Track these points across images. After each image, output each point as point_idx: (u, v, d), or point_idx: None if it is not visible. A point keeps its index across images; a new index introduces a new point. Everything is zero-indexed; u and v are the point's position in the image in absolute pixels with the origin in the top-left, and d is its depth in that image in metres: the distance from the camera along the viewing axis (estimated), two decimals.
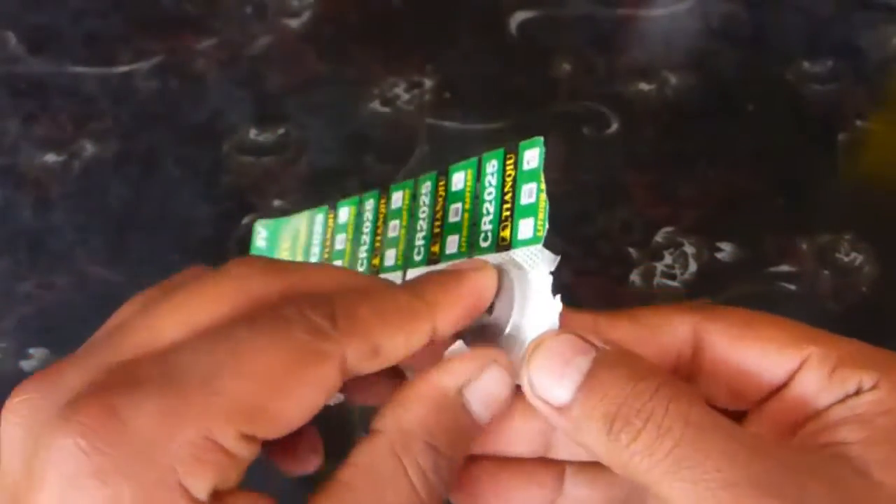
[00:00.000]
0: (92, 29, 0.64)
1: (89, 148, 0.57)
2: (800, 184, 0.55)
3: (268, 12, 0.65)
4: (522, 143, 0.26)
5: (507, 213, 0.25)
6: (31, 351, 0.48)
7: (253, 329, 0.20)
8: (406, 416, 0.21)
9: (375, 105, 0.60)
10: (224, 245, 0.53)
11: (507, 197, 0.25)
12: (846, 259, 0.52)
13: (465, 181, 0.28)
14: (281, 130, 0.58)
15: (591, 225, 0.53)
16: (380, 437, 0.21)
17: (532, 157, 0.25)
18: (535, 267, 0.24)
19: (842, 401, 0.21)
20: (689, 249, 0.52)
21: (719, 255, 0.52)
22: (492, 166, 0.27)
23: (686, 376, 0.24)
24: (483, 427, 0.23)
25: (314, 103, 0.60)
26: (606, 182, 0.56)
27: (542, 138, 0.25)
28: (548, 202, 0.24)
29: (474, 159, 0.28)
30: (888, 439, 0.20)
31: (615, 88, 0.60)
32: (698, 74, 0.61)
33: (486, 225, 0.26)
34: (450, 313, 0.23)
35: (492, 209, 0.26)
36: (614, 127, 0.58)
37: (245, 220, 0.54)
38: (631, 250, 0.52)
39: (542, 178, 0.24)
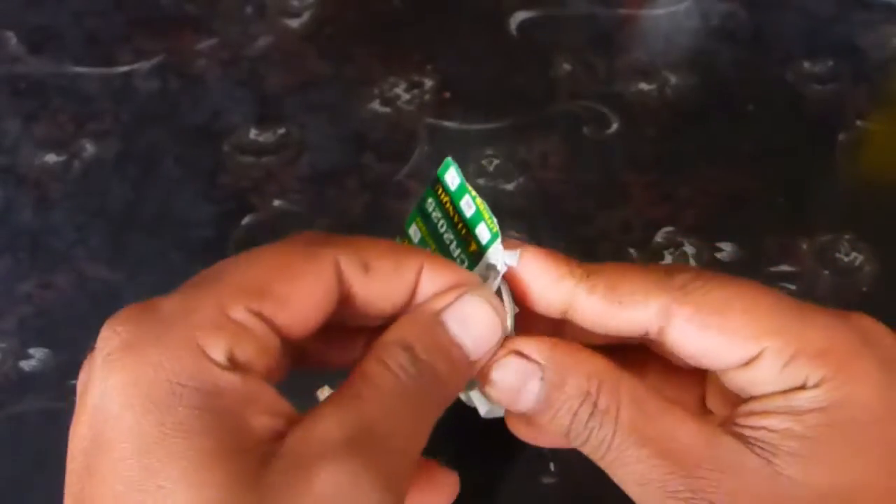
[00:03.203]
0: (92, 29, 0.64)
1: (89, 148, 0.57)
2: (800, 184, 0.55)
3: (268, 12, 0.65)
4: (439, 171, 0.28)
5: (464, 231, 0.27)
6: (31, 351, 0.48)
7: (266, 246, 0.24)
8: (387, 333, 0.24)
9: (375, 105, 0.60)
10: (224, 245, 0.53)
11: (455, 219, 0.27)
12: (846, 259, 0.52)
13: (419, 227, 0.30)
14: (281, 130, 0.58)
15: (591, 225, 0.53)
16: (369, 351, 0.23)
17: (452, 177, 0.27)
18: (498, 262, 0.26)
19: (783, 392, 0.23)
20: (689, 249, 0.52)
21: (719, 255, 0.52)
22: (430, 205, 0.29)
23: (650, 346, 0.26)
24: (469, 353, 0.24)
25: (314, 103, 0.60)
26: (606, 182, 0.56)
27: (449, 158, 0.27)
28: (484, 201, 0.27)
29: (415, 208, 0.30)
30: (805, 435, 0.22)
31: (615, 88, 0.60)
32: (698, 74, 0.61)
33: (456, 251, 0.28)
34: (438, 270, 0.25)
35: (452, 237, 0.28)
36: (614, 127, 0.58)
37: (245, 220, 0.54)
38: (631, 250, 0.52)
39: (469, 187, 0.27)
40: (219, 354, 0.20)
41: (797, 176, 0.56)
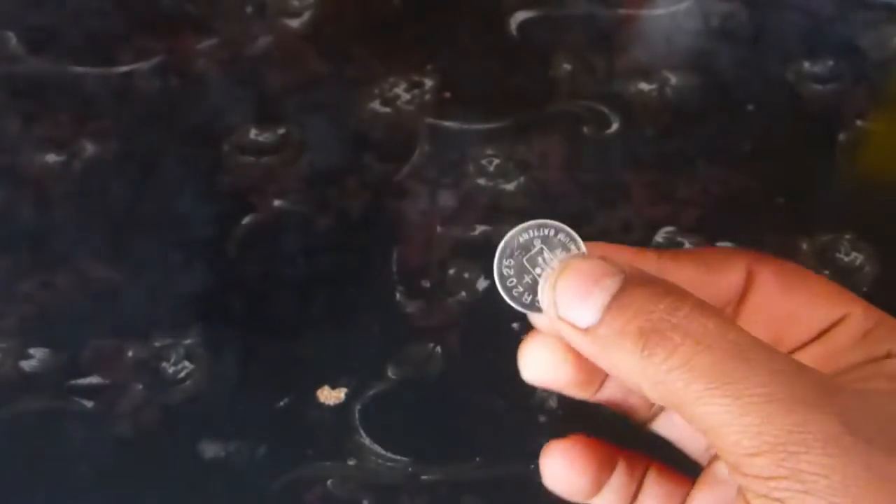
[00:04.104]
0: (92, 29, 0.64)
1: (89, 148, 0.57)
2: (800, 184, 0.55)
3: (268, 12, 0.65)
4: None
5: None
6: (31, 351, 0.48)
7: None
8: None
9: (375, 105, 0.60)
10: (224, 245, 0.53)
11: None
12: (846, 259, 0.52)
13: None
14: (281, 130, 0.58)
15: (591, 225, 0.53)
16: None
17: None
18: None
19: (875, 359, 0.22)
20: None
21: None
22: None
23: (731, 317, 0.24)
24: None
25: (314, 103, 0.60)
26: (606, 182, 0.56)
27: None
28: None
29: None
30: None
31: (615, 88, 0.60)
32: (698, 74, 0.61)
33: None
34: None
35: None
36: (614, 127, 0.58)
37: (245, 220, 0.54)
38: None
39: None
40: None
41: (797, 176, 0.56)
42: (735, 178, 0.55)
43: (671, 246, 0.52)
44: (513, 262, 0.25)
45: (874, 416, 0.19)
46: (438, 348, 0.48)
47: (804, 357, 0.23)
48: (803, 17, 0.65)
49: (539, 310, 0.24)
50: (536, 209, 0.54)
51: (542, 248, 0.24)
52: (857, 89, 0.61)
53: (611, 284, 0.21)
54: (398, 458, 0.44)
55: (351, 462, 0.44)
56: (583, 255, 0.23)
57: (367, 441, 0.45)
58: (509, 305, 0.25)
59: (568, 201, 0.54)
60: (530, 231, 0.25)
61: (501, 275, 0.25)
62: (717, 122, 0.59)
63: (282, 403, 0.46)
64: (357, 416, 0.46)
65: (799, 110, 0.60)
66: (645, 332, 0.20)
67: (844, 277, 0.51)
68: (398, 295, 0.50)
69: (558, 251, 0.24)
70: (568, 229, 0.25)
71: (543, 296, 0.23)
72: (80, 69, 0.62)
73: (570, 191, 0.55)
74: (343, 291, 0.51)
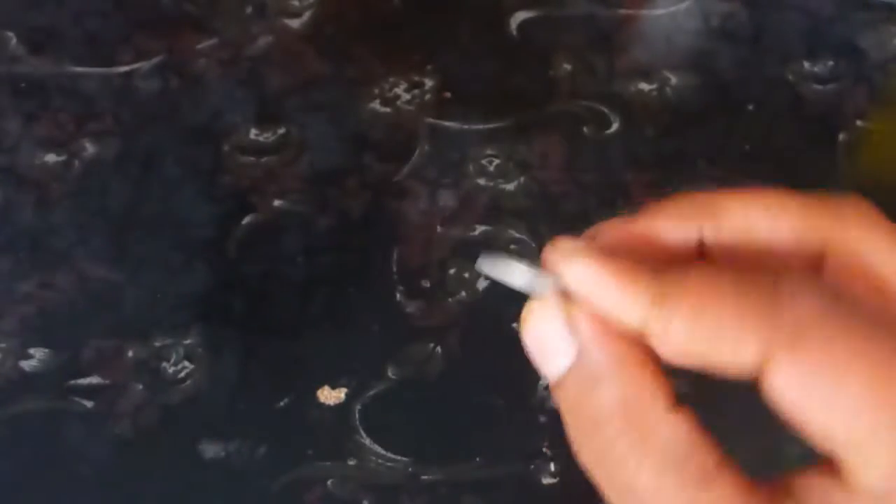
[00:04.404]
0: (92, 29, 0.64)
1: (89, 148, 0.57)
2: (800, 184, 0.55)
3: (268, 12, 0.65)
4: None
5: None
6: (31, 351, 0.48)
7: None
8: None
9: (375, 105, 0.60)
10: (224, 245, 0.53)
11: None
12: None
13: None
14: (281, 130, 0.58)
15: (591, 225, 0.53)
16: None
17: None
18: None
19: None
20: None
21: None
22: None
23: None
24: None
25: (314, 103, 0.60)
26: (606, 182, 0.56)
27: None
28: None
29: None
30: None
31: (615, 88, 0.60)
32: (698, 74, 0.61)
33: None
34: None
35: None
36: (614, 127, 0.58)
37: (245, 220, 0.54)
38: None
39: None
40: None
41: (797, 176, 0.56)
42: (735, 178, 0.55)
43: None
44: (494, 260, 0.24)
45: None
46: (438, 348, 0.48)
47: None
48: (803, 17, 0.65)
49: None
50: (536, 209, 0.54)
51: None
52: (857, 89, 0.61)
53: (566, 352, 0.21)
54: (398, 458, 0.44)
55: (351, 462, 0.44)
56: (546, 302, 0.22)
57: (367, 441, 0.45)
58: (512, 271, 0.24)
59: (568, 201, 0.54)
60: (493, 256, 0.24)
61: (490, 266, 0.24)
62: (717, 122, 0.59)
63: (282, 403, 0.46)
64: (357, 416, 0.46)
65: (799, 110, 0.60)
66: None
67: None
68: (398, 295, 0.50)
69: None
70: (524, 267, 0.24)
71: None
72: (80, 69, 0.62)
73: (570, 191, 0.55)
74: (343, 291, 0.51)
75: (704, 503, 0.19)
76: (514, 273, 0.23)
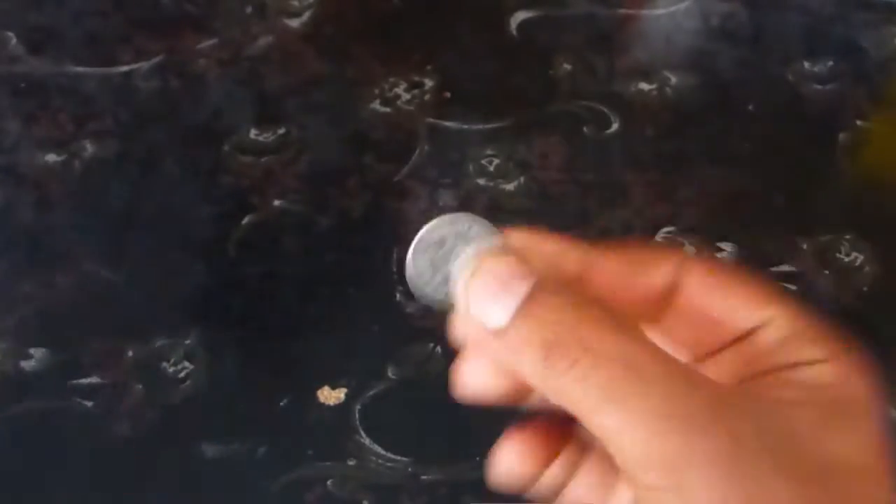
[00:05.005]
0: (92, 29, 0.64)
1: (89, 148, 0.57)
2: (800, 184, 0.55)
3: (268, 12, 0.65)
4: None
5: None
6: (31, 351, 0.48)
7: None
8: None
9: (375, 105, 0.60)
10: (224, 245, 0.53)
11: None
12: (846, 259, 0.52)
13: None
14: (281, 130, 0.58)
15: (591, 225, 0.53)
16: None
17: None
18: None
19: (792, 366, 0.22)
20: (689, 249, 0.52)
21: (720, 255, 0.52)
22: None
23: (655, 316, 0.25)
24: None
25: (314, 103, 0.60)
26: (606, 182, 0.56)
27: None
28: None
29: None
30: (823, 407, 0.21)
31: (615, 88, 0.60)
32: (698, 74, 0.61)
33: None
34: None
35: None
36: (614, 127, 0.58)
37: (245, 220, 0.54)
38: None
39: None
40: None
41: (797, 176, 0.56)
42: (735, 178, 0.55)
43: (671, 246, 0.52)
44: (427, 257, 0.24)
45: (769, 431, 0.20)
46: (438, 348, 0.48)
47: (724, 360, 0.24)
48: (803, 17, 0.65)
49: (451, 306, 0.24)
50: (536, 209, 0.54)
51: (455, 244, 0.24)
52: (857, 89, 0.61)
53: (519, 288, 0.22)
54: (398, 458, 0.44)
55: (351, 462, 0.44)
56: (498, 249, 0.23)
57: (367, 441, 0.45)
58: (422, 301, 0.24)
59: (568, 201, 0.54)
60: (444, 226, 0.24)
61: (415, 271, 0.24)
62: (717, 122, 0.59)
63: (282, 403, 0.46)
64: (357, 416, 0.46)
65: (799, 110, 0.60)
66: (548, 343, 0.21)
67: (844, 277, 0.51)
68: (398, 295, 0.50)
69: (473, 245, 0.24)
70: (483, 221, 0.24)
71: (455, 292, 0.23)
72: (80, 69, 0.62)
73: (570, 191, 0.55)
74: (343, 291, 0.51)
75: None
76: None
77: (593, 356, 0.20)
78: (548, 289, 0.22)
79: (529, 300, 0.21)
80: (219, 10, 0.65)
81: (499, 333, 0.22)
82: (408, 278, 0.24)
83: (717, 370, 0.24)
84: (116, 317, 0.49)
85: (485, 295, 0.22)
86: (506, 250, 0.23)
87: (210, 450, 0.45)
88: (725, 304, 0.23)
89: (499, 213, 0.54)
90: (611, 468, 0.25)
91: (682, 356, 0.25)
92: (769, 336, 0.23)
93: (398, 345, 0.48)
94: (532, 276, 0.22)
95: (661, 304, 0.24)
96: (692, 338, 0.25)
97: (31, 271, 0.51)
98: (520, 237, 0.24)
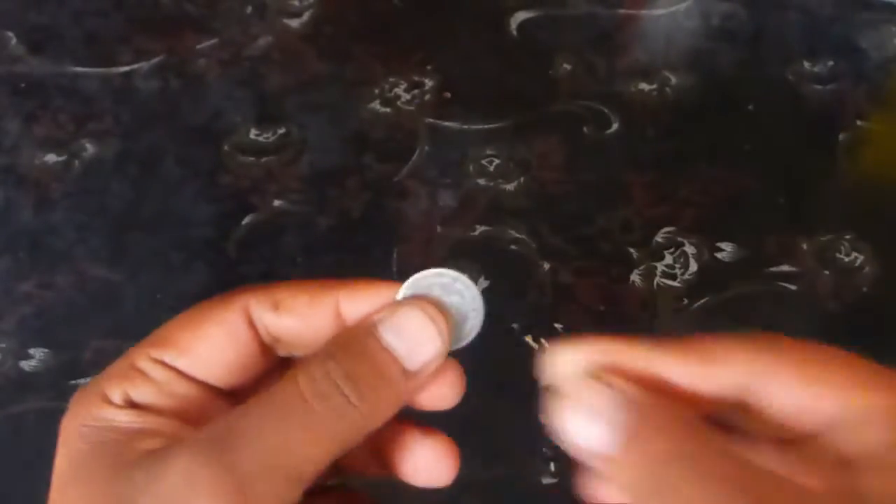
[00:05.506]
0: (92, 29, 0.64)
1: (89, 148, 0.57)
2: (800, 184, 0.55)
3: (268, 12, 0.65)
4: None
5: None
6: (31, 351, 0.48)
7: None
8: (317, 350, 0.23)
9: (375, 105, 0.60)
10: (224, 245, 0.53)
11: None
12: (846, 259, 0.52)
13: None
14: (281, 130, 0.58)
15: (591, 225, 0.53)
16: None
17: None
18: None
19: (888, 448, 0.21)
20: (689, 249, 0.52)
21: (720, 255, 0.52)
22: None
23: (738, 407, 0.24)
24: (403, 360, 0.24)
25: (314, 103, 0.60)
26: (606, 182, 0.56)
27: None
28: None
29: None
30: None
31: (615, 88, 0.60)
32: (698, 74, 0.61)
33: None
34: (362, 294, 0.25)
35: None
36: (614, 127, 0.58)
37: (245, 220, 0.54)
38: (631, 250, 0.52)
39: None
40: (117, 398, 0.24)
41: (797, 176, 0.56)
42: (735, 178, 0.55)
43: (671, 246, 0.52)
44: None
45: None
46: None
47: (816, 445, 0.22)
48: (803, 17, 0.65)
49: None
50: (536, 209, 0.54)
51: (440, 295, 0.26)
52: (857, 89, 0.61)
53: (619, 417, 0.22)
54: None
55: None
56: (587, 380, 0.23)
57: None
58: None
59: (568, 201, 0.54)
60: (429, 278, 0.26)
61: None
62: (717, 122, 0.59)
63: None
64: None
65: (799, 110, 0.60)
66: (656, 476, 0.21)
67: (844, 277, 0.51)
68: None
69: (454, 297, 0.26)
70: (464, 279, 0.26)
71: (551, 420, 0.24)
72: (80, 69, 0.62)
73: (570, 191, 0.55)
74: None
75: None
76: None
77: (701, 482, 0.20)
78: (649, 417, 0.22)
79: (631, 434, 0.22)
80: (219, 10, 0.65)
81: (607, 458, 0.22)
82: None
83: (806, 455, 0.23)
84: (116, 317, 0.49)
85: (585, 424, 0.23)
86: (594, 375, 0.23)
87: None
88: (817, 393, 0.22)
89: (499, 213, 0.54)
90: None
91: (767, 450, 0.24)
92: (871, 425, 0.22)
93: None
94: (629, 409, 0.22)
95: (741, 398, 0.23)
96: (776, 428, 0.24)
97: (31, 271, 0.52)
98: (592, 349, 0.24)
